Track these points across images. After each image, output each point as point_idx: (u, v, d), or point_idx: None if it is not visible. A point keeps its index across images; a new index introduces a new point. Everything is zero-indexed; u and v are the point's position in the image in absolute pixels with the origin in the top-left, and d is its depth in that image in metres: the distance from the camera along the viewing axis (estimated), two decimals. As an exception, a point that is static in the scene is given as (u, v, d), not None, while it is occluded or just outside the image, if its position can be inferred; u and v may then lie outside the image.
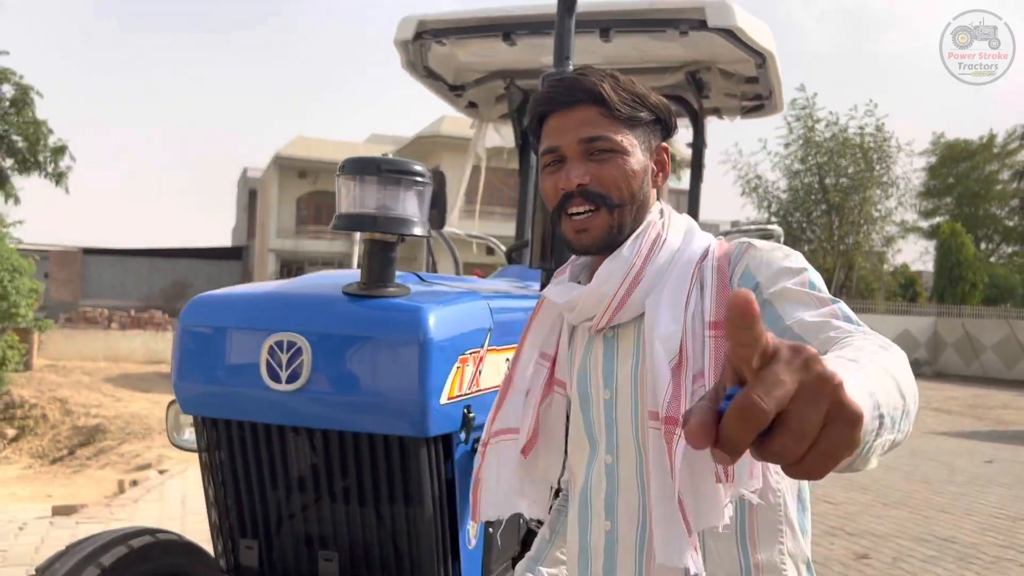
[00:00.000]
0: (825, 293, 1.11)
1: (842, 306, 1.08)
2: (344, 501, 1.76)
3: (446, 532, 1.78)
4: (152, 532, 2.21)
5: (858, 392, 0.72)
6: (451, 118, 34.70)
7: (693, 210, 4.35)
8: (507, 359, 2.02)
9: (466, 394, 1.78)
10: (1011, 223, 30.95)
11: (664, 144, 1.31)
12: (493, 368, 1.92)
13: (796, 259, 1.17)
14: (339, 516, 1.77)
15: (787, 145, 24.20)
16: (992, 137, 29.65)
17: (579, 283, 1.29)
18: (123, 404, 11.24)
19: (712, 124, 4.63)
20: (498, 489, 1.34)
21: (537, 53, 3.69)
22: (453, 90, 4.20)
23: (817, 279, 1.14)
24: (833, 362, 0.80)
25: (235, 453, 1.81)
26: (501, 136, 4.87)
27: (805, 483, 1.19)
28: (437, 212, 2.85)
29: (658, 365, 1.11)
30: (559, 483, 1.41)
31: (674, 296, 1.16)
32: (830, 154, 23.48)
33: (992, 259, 30.31)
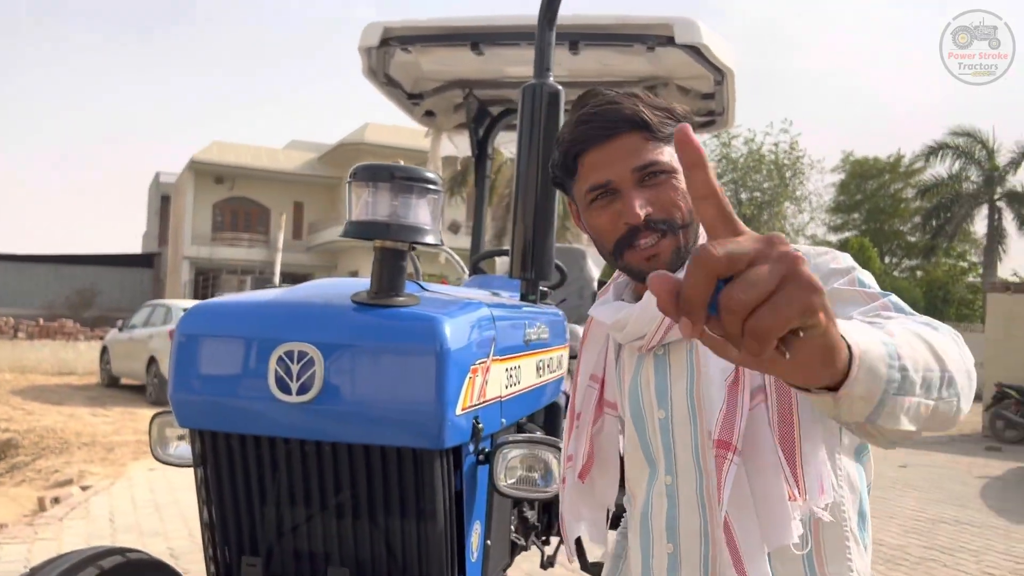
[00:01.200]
0: (875, 288, 1.09)
1: (893, 298, 1.06)
2: (353, 515, 1.72)
3: (454, 544, 1.76)
4: (122, 552, 2.11)
5: (858, 336, 0.74)
6: (375, 125, 34.40)
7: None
8: (507, 368, 2.02)
9: (475, 404, 1.77)
10: (913, 239, 32.46)
11: None
12: (496, 378, 1.91)
13: (843, 259, 1.16)
14: (347, 531, 1.72)
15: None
16: (900, 157, 31.06)
17: (624, 301, 1.28)
18: (35, 417, 10.70)
19: None
20: (567, 513, 1.36)
21: (502, 63, 3.71)
22: (411, 98, 4.18)
23: (866, 277, 1.12)
24: (850, 322, 0.79)
25: (236, 467, 1.75)
26: (455, 145, 4.86)
27: (866, 496, 1.19)
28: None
29: (711, 384, 1.10)
30: (616, 506, 1.40)
31: None
32: (746, 170, 24.21)
33: (895, 273, 31.71)
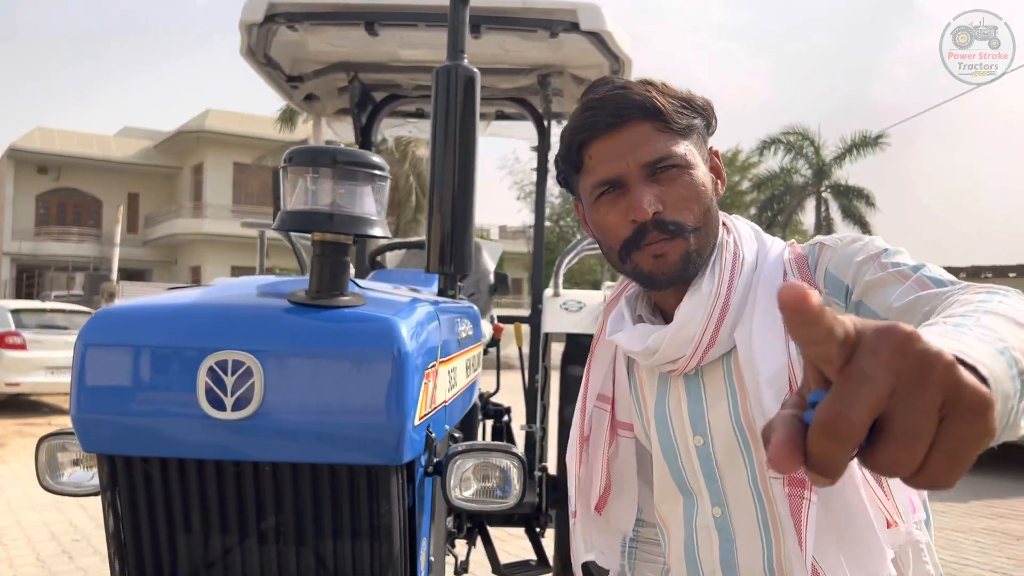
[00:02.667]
0: (906, 264, 1.01)
1: (928, 270, 0.97)
2: (297, 540, 1.52)
3: (406, 563, 1.60)
4: None
5: (980, 355, 0.56)
6: (216, 112, 32.83)
7: (539, 208, 4.35)
8: (448, 371, 1.87)
9: (428, 413, 1.61)
10: (749, 228, 34.39)
11: (715, 148, 1.20)
12: (441, 382, 1.76)
13: (872, 243, 1.08)
14: (289, 558, 1.53)
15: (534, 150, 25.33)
16: (738, 151, 32.73)
17: (642, 320, 1.19)
18: None
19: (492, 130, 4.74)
20: (579, 545, 1.27)
21: (397, 46, 3.52)
22: (290, 81, 3.92)
23: (899, 256, 1.04)
24: (934, 333, 0.62)
25: (155, 495, 1.52)
26: (335, 132, 4.62)
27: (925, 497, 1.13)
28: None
29: (762, 407, 1.01)
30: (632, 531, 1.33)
31: (768, 323, 1.05)
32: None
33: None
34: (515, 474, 1.69)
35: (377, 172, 1.56)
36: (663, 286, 1.13)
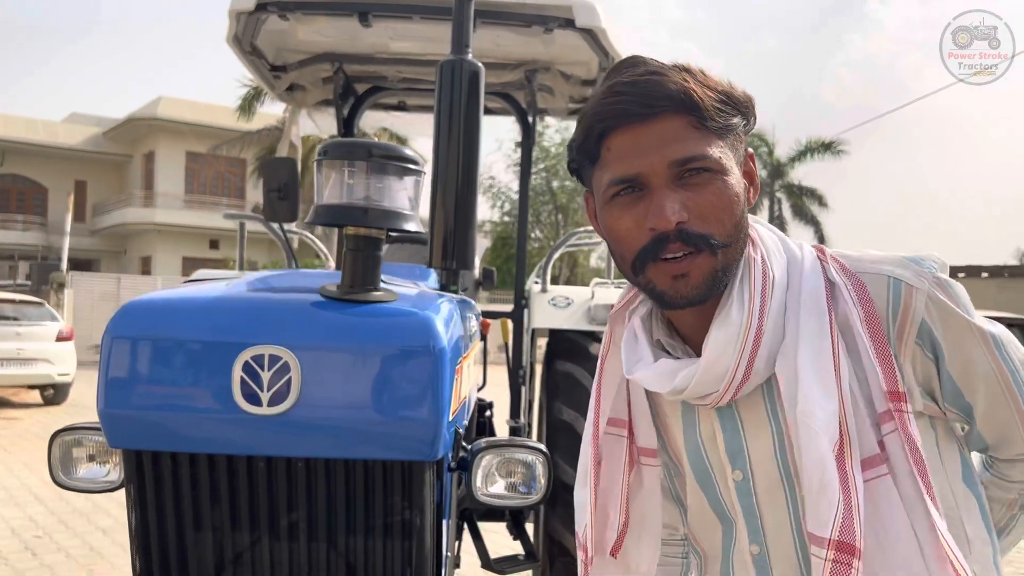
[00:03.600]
0: (1019, 371, 0.97)
1: None
2: (328, 540, 1.51)
3: (435, 560, 1.60)
4: None
5: None
6: (169, 99, 32.14)
7: (523, 205, 4.35)
8: (468, 367, 1.87)
9: (456, 409, 1.61)
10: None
11: (751, 150, 1.05)
12: (467, 378, 1.76)
13: (972, 308, 0.97)
14: (320, 557, 1.52)
15: (516, 147, 25.39)
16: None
17: (661, 346, 1.06)
18: None
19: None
20: None
21: (387, 36, 3.49)
22: (273, 71, 3.86)
23: (1009, 341, 0.97)
24: None
25: (182, 490, 1.49)
26: (316, 124, 4.57)
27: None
28: (288, 204, 2.59)
29: (818, 465, 0.89)
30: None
31: (816, 358, 0.92)
32: (558, 158, 24.89)
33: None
34: (540, 469, 1.70)
35: (411, 166, 1.56)
36: (677, 308, 0.99)
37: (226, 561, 1.54)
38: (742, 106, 0.99)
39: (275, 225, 3.02)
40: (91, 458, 1.69)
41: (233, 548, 1.54)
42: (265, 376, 1.39)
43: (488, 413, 3.94)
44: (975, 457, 1.06)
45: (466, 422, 1.89)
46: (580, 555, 1.11)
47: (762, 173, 29.53)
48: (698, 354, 1.00)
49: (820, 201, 29.26)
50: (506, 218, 26.24)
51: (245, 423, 1.40)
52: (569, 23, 3.15)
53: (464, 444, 1.73)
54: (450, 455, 1.62)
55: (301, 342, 1.41)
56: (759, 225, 1.07)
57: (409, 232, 1.54)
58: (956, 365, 0.95)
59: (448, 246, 2.30)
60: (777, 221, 29.26)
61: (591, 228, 5.39)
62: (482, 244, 5.04)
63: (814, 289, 0.97)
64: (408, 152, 1.55)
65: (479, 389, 3.88)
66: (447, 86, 2.28)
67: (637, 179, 0.95)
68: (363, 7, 3.11)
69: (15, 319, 11.91)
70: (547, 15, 3.15)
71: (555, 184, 25.36)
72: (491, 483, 1.70)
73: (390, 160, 1.52)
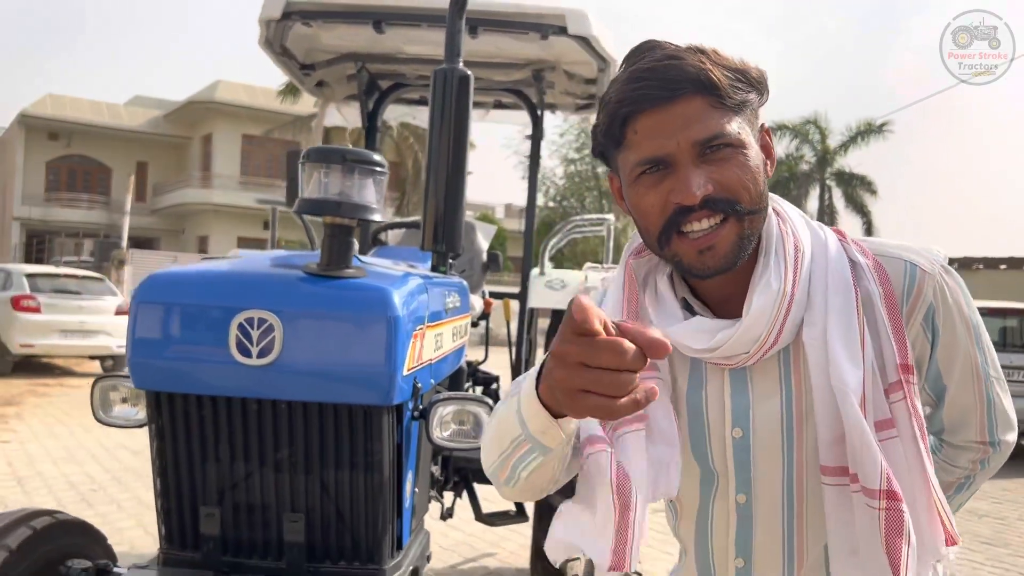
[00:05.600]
0: (990, 364, 1.09)
1: (996, 404, 1.10)
2: (306, 468, 1.88)
3: (394, 492, 1.96)
4: (50, 513, 2.20)
5: None
6: (226, 83, 33.04)
7: (531, 192, 4.67)
8: (435, 335, 2.22)
9: (415, 367, 1.96)
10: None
11: (766, 125, 1.10)
12: (428, 343, 2.10)
13: (970, 299, 1.08)
14: (299, 482, 1.89)
15: (562, 135, 25.64)
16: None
17: (688, 306, 1.10)
18: None
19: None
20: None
21: (401, 41, 3.84)
22: (303, 69, 4.24)
23: (985, 331, 1.09)
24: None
25: (192, 426, 1.87)
26: (344, 117, 4.94)
27: None
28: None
29: (859, 426, 0.96)
30: None
31: (844, 330, 1.00)
32: (604, 144, 25.07)
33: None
34: (485, 418, 2.04)
35: (378, 168, 1.90)
36: (704, 278, 1.04)
37: (226, 487, 1.92)
38: (756, 82, 1.03)
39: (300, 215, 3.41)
40: (124, 400, 2.09)
41: (232, 476, 1.91)
42: (255, 334, 1.76)
43: (494, 386, 4.30)
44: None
45: (434, 381, 2.24)
46: (619, 501, 0.99)
47: (812, 160, 29.22)
48: (719, 316, 1.07)
49: (870, 188, 28.82)
50: (551, 203, 26.48)
51: (239, 371, 1.77)
52: (562, 30, 3.46)
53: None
54: (410, 404, 1.98)
55: (284, 308, 1.78)
56: (784, 202, 1.13)
57: (373, 221, 1.89)
58: (945, 349, 1.06)
59: (438, 231, 2.66)
60: (828, 211, 28.96)
61: (590, 216, 5.80)
62: (490, 229, 5.33)
63: (839, 266, 1.04)
64: (376, 157, 1.90)
65: (480, 363, 4.24)
66: (439, 91, 2.63)
67: (663, 159, 0.99)
68: (376, 15, 3.46)
69: (78, 293, 12.61)
70: (542, 23, 3.47)
71: (600, 170, 25.53)
72: (445, 429, 2.05)
73: (360, 163, 1.87)
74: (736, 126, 1.00)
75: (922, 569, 1.00)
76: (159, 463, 1.91)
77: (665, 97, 0.98)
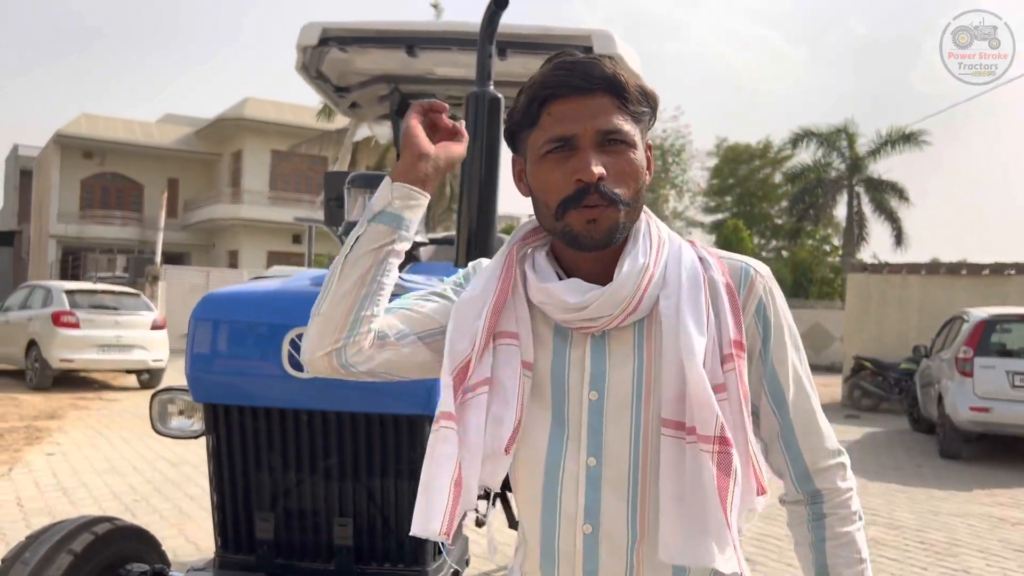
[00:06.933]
0: (804, 370, 1.25)
1: (810, 401, 1.24)
2: (353, 476, 2.00)
3: (436, 498, 2.07)
4: (110, 519, 2.33)
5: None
6: (255, 100, 33.56)
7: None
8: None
9: (454, 378, 2.07)
10: (780, 221, 34.47)
11: (649, 143, 1.25)
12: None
13: (801, 357, 1.26)
14: (348, 488, 2.00)
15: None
16: (768, 144, 32.87)
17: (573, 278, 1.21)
18: (-94, 405, 10.20)
19: None
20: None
21: (432, 64, 3.97)
22: (337, 91, 4.39)
23: (799, 342, 1.27)
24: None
25: (247, 436, 2.00)
26: (376, 134, 5.10)
27: None
28: (343, 211, 3.08)
29: (701, 382, 1.10)
30: None
31: (693, 305, 1.16)
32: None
33: (764, 253, 33.64)
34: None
35: (418, 191, 2.02)
36: (586, 249, 1.17)
37: (279, 493, 2.05)
38: (650, 101, 1.20)
39: (334, 228, 3.55)
40: (180, 412, 2.22)
41: (284, 484, 2.04)
42: (305, 349, 1.88)
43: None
44: (794, 516, 1.26)
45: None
46: (445, 424, 1.16)
47: (841, 167, 29.05)
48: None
49: (901, 195, 28.57)
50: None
51: (291, 384, 1.89)
52: (588, 51, 3.57)
53: None
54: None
55: (332, 325, 1.90)
56: (649, 213, 1.27)
57: (415, 243, 2.00)
58: (776, 348, 1.23)
59: (472, 248, 2.77)
60: (857, 217, 28.76)
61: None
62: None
63: (691, 257, 1.21)
64: (416, 181, 2.02)
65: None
66: (472, 112, 2.75)
67: (570, 139, 1.14)
68: (409, 40, 3.60)
69: (114, 309, 12.92)
70: (569, 44, 3.58)
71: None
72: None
73: (402, 187, 1.99)
74: (632, 129, 1.17)
75: (740, 512, 1.12)
76: (216, 472, 2.03)
77: (583, 88, 1.13)
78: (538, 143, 1.17)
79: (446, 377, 1.17)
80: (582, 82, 1.13)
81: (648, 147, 1.23)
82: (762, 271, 1.24)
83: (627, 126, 1.15)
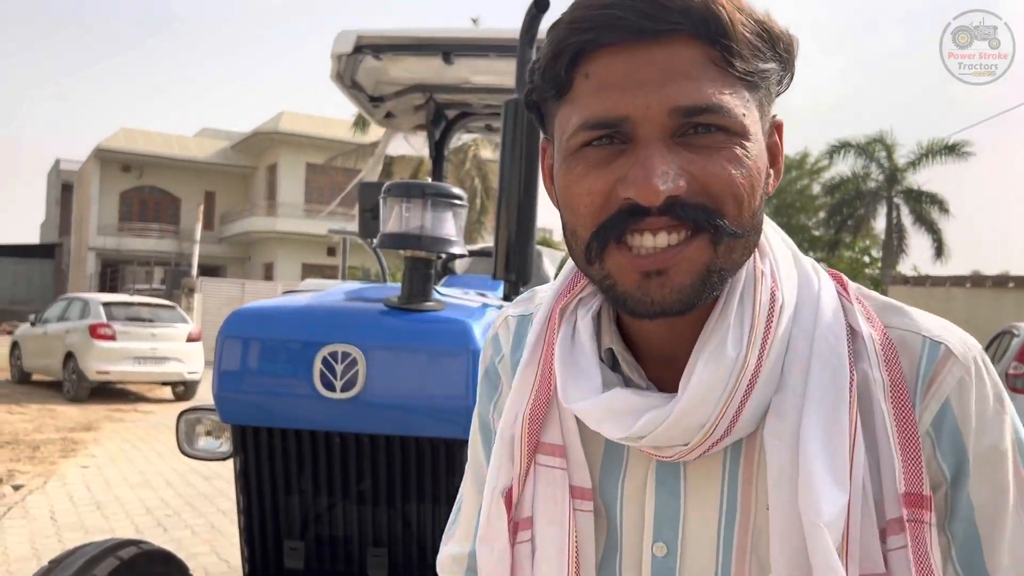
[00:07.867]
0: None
1: None
2: (388, 502, 1.88)
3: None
4: (135, 543, 2.24)
5: None
6: (290, 114, 33.91)
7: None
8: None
9: (494, 399, 1.96)
10: (818, 232, 33.99)
11: (779, 118, 0.75)
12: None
13: (1008, 411, 0.72)
14: (382, 515, 1.89)
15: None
16: (806, 154, 32.48)
17: (614, 360, 0.77)
18: (-54, 416, 10.32)
19: None
20: None
21: (468, 71, 3.88)
22: (372, 101, 4.32)
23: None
24: None
25: (276, 459, 1.89)
26: (411, 144, 5.01)
27: None
28: (379, 223, 2.99)
29: (832, 571, 0.63)
30: None
31: (828, 430, 0.67)
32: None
33: (801, 265, 33.11)
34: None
35: (456, 202, 1.91)
36: (648, 318, 0.70)
37: (309, 520, 1.94)
38: (781, 47, 0.70)
39: (369, 240, 3.46)
40: (208, 433, 2.13)
41: (315, 509, 1.93)
42: (339, 368, 1.77)
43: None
44: None
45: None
46: None
47: (879, 178, 28.61)
48: (658, 380, 0.75)
49: (942, 207, 28.07)
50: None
51: (323, 405, 1.78)
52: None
53: None
54: (490, 437, 1.97)
55: (366, 342, 1.79)
56: (769, 228, 0.79)
57: (453, 255, 1.89)
58: (983, 491, 0.69)
59: (510, 261, 2.66)
60: (896, 228, 28.29)
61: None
62: (556, 256, 5.29)
63: (833, 333, 0.71)
64: (455, 190, 1.91)
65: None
66: (510, 120, 2.64)
67: (621, 124, 0.66)
68: (445, 47, 3.51)
69: (151, 321, 13.00)
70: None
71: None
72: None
73: (439, 197, 1.88)
74: (742, 105, 0.66)
75: None
76: (244, 496, 1.93)
77: (644, 29, 0.64)
78: (570, 126, 0.68)
79: (494, 499, 0.78)
80: (643, 19, 0.64)
81: (777, 127, 0.75)
82: (961, 349, 0.71)
83: (732, 99, 0.66)
